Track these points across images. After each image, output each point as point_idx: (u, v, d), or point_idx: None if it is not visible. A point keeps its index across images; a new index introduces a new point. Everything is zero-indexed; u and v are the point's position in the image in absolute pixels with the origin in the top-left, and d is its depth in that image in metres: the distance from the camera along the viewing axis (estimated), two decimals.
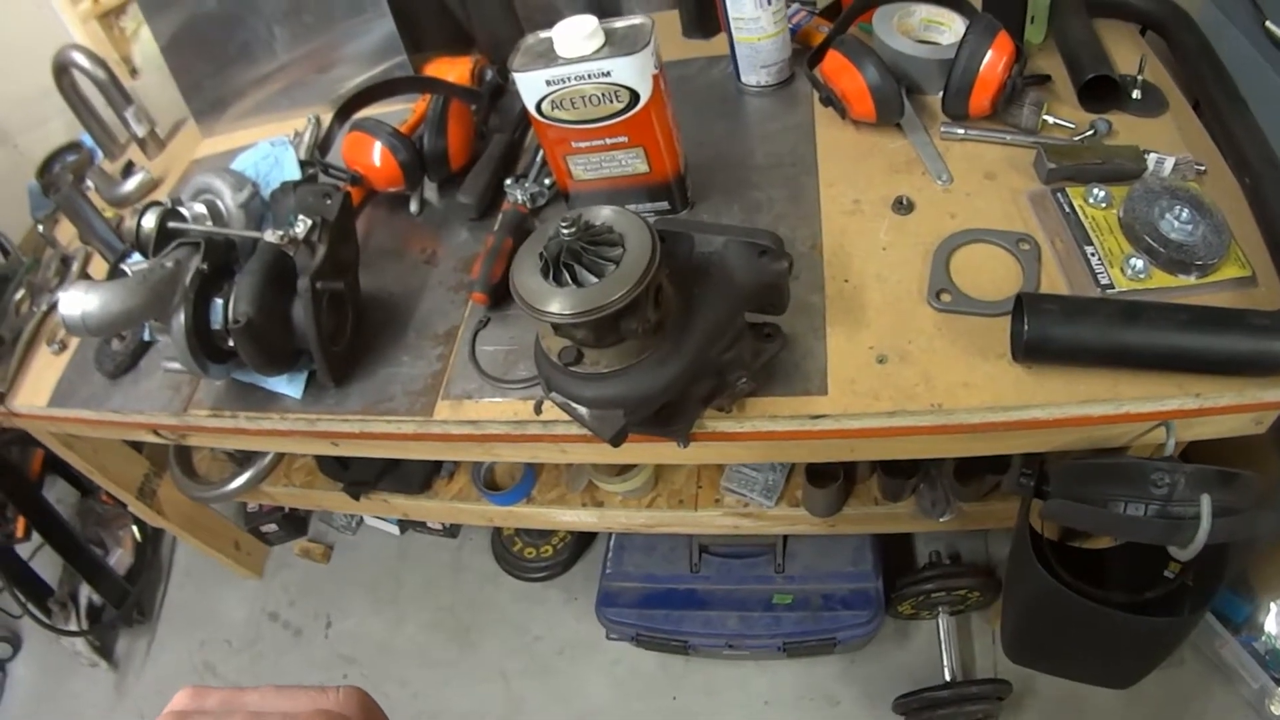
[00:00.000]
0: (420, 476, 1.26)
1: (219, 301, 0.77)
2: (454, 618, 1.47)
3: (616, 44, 0.75)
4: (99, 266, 1.10)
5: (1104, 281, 0.72)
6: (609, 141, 0.82)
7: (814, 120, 0.96)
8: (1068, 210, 0.78)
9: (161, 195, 1.20)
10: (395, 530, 1.59)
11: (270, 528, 1.60)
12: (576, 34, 0.74)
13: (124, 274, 0.78)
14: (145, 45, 1.30)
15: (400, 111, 1.01)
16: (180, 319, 0.75)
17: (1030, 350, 0.66)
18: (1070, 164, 0.80)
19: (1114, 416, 0.68)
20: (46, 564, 1.51)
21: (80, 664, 1.52)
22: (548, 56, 0.76)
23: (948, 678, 1.17)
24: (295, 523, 1.62)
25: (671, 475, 1.20)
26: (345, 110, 0.96)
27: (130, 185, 1.19)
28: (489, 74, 1.06)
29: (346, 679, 1.42)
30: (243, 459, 1.33)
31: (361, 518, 1.62)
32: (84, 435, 1.16)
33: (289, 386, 0.86)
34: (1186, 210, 0.72)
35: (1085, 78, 0.86)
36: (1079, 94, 0.88)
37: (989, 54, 0.82)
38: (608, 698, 1.32)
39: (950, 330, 0.73)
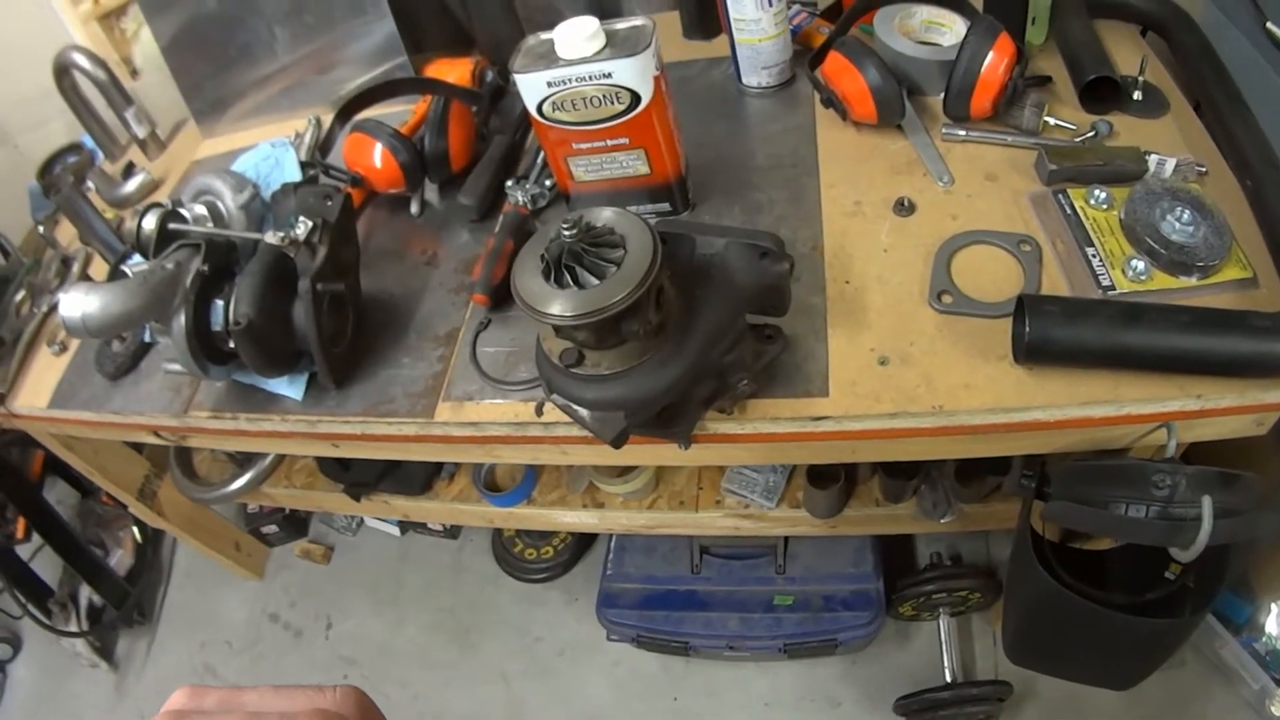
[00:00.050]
0: (421, 478, 1.26)
1: (219, 303, 0.77)
2: (454, 619, 1.47)
3: (618, 45, 0.75)
4: (99, 268, 1.10)
5: (1105, 283, 0.72)
6: (610, 143, 0.81)
7: (815, 121, 0.96)
8: (1069, 212, 0.78)
9: (162, 196, 1.20)
10: (396, 531, 1.59)
11: (271, 529, 1.60)
12: (578, 35, 0.74)
13: (124, 275, 0.78)
14: (146, 46, 1.30)
15: (401, 113, 1.01)
16: (181, 320, 0.75)
17: (1031, 352, 0.66)
18: (1071, 165, 0.80)
19: (1115, 418, 0.68)
20: (47, 565, 1.51)
21: (80, 665, 1.52)
22: (549, 58, 0.76)
23: (948, 679, 1.17)
24: (296, 524, 1.62)
25: (672, 477, 1.20)
26: (346, 111, 0.96)
27: (131, 186, 1.19)
28: (490, 75, 1.06)
29: (347, 680, 1.41)
30: (243, 460, 1.33)
31: (362, 519, 1.62)
32: (84, 436, 1.16)
33: (290, 388, 0.86)
34: (1188, 212, 0.72)
35: (1086, 79, 0.86)
36: (1080, 95, 0.88)
37: (990, 55, 0.82)
38: (608, 699, 1.32)
39: (951, 332, 0.73)
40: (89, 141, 1.27)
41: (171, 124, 1.32)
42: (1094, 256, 0.74)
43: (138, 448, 1.35)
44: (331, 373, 0.83)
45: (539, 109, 0.80)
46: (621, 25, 0.77)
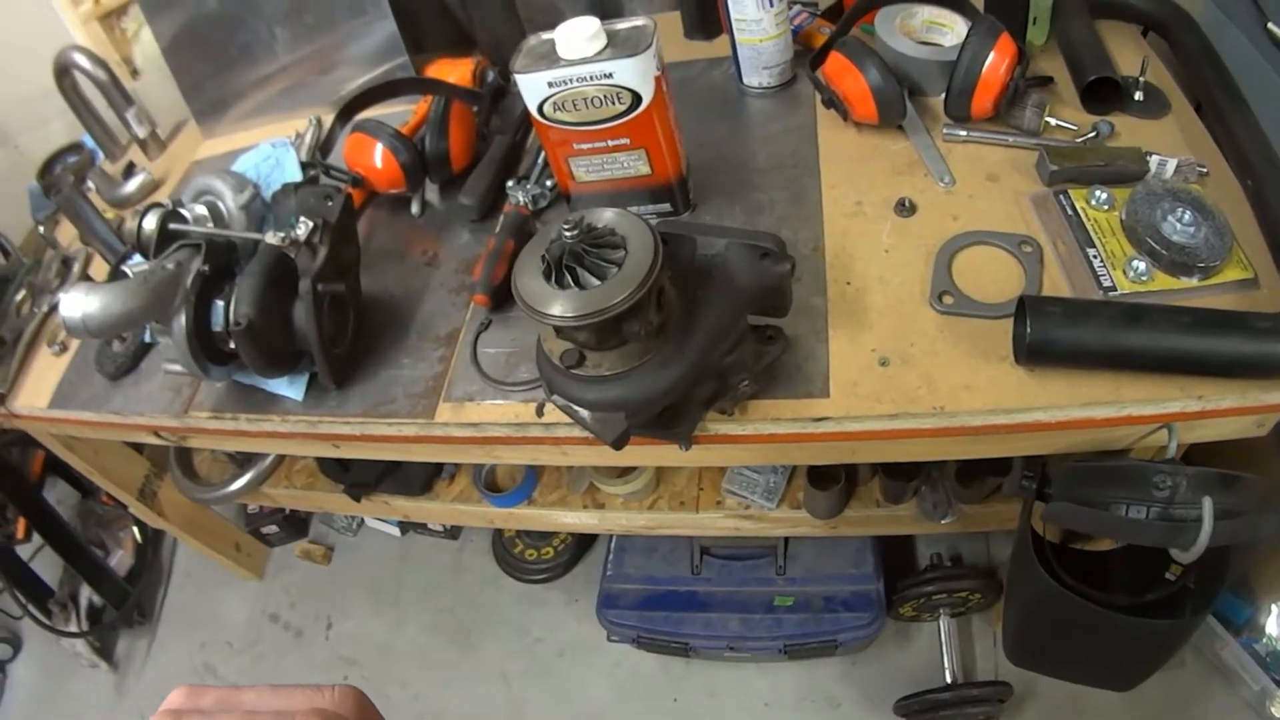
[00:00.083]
0: (421, 478, 1.26)
1: (220, 303, 0.77)
2: (455, 619, 1.47)
3: (618, 46, 0.75)
4: (100, 268, 1.10)
5: (1106, 284, 0.72)
6: (611, 143, 0.81)
7: (816, 122, 0.96)
8: (1070, 212, 0.78)
9: (162, 196, 1.20)
10: (396, 532, 1.59)
11: (271, 529, 1.60)
12: (578, 35, 0.74)
13: (125, 275, 0.78)
14: (146, 46, 1.30)
15: (402, 113, 1.01)
16: (181, 321, 0.75)
17: (1032, 353, 0.66)
18: (1072, 166, 0.80)
19: (1116, 419, 0.68)
20: (47, 565, 1.51)
21: (80, 665, 1.52)
22: (550, 58, 0.76)
23: (949, 680, 1.17)
24: (296, 524, 1.62)
25: (673, 477, 1.20)
26: (347, 111, 0.96)
27: (131, 186, 1.19)
28: (490, 75, 1.05)
29: (347, 680, 1.41)
30: (243, 461, 1.33)
31: (362, 519, 1.62)
32: (84, 437, 1.16)
33: (290, 388, 0.86)
34: (1189, 212, 0.72)
35: (1087, 79, 0.86)
36: (1081, 96, 0.88)
37: (991, 56, 0.82)
38: (608, 699, 1.32)
39: (952, 332, 0.73)
40: (89, 141, 1.27)
41: (172, 124, 1.32)
42: (1095, 257, 0.74)
43: (138, 448, 1.35)
44: (332, 373, 0.83)
45: (540, 109, 0.80)
46: (622, 25, 0.77)
